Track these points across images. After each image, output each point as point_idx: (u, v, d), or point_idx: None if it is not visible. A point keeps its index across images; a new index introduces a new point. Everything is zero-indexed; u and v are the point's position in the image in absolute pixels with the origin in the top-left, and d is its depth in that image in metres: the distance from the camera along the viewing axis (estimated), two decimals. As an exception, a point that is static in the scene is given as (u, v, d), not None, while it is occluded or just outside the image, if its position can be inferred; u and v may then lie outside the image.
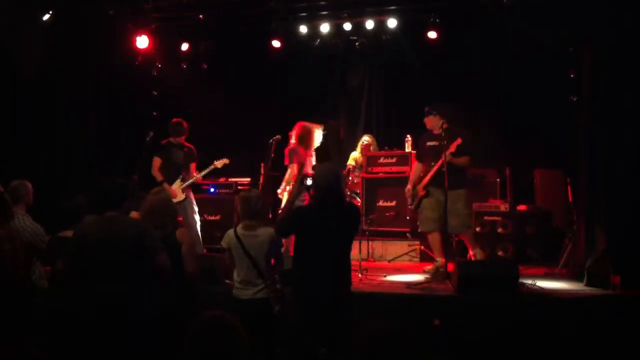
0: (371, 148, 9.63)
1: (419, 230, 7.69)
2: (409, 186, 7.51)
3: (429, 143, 7.38)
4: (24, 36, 8.24)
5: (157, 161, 7.98)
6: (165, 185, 7.67)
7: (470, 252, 7.30)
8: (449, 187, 6.77)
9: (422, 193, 7.27)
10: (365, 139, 9.75)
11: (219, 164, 8.10)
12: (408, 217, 8.56)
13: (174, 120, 8.12)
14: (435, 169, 7.06)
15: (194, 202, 8.10)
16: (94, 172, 8.83)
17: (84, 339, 3.90)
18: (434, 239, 7.24)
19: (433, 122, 7.31)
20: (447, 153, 6.89)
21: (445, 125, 7.15)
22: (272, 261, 4.95)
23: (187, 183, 7.95)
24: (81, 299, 4.00)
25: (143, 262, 4.05)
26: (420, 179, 7.37)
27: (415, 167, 7.62)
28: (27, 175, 5.96)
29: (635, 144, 6.41)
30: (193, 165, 8.17)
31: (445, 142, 7.00)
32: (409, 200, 7.54)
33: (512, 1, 8.01)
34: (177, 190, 7.81)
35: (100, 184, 4.22)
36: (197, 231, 7.94)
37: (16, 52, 8.18)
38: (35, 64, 8.42)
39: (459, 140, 6.92)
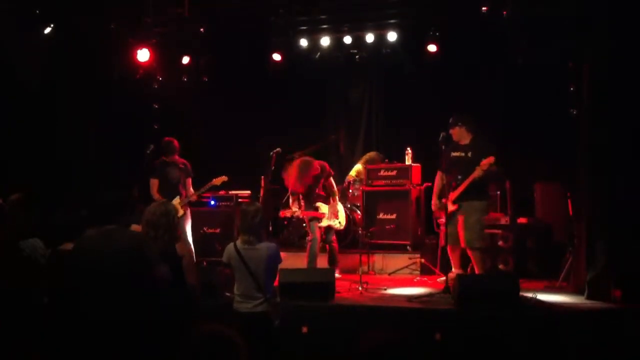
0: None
1: (446, 245, 7.35)
2: (434, 200, 7.43)
3: (454, 154, 7.27)
4: (25, 49, 8.27)
5: (154, 183, 8.01)
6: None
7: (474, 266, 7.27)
8: (466, 198, 6.79)
9: (453, 207, 7.11)
10: (372, 155, 9.77)
11: (217, 181, 8.06)
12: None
13: (165, 139, 8.15)
14: (467, 183, 6.96)
15: (189, 218, 8.13)
16: (94, 185, 8.83)
17: (84, 351, 3.89)
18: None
19: (459, 134, 7.26)
20: (479, 170, 6.85)
21: (471, 136, 7.18)
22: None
23: (185, 201, 7.96)
24: (80, 313, 3.99)
25: (142, 275, 4.04)
26: (443, 191, 7.28)
27: (439, 179, 7.45)
28: (27, 188, 5.95)
29: (636, 158, 6.41)
30: (189, 181, 8.19)
31: (470, 153, 7.01)
32: (437, 214, 7.45)
33: (512, 15, 8.04)
34: (177, 206, 7.75)
35: (97, 197, 4.21)
36: None
37: (17, 66, 8.21)
38: (36, 77, 8.45)
39: (491, 159, 6.81)
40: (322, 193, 7.96)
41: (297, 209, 7.91)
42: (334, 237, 7.99)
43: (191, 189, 8.14)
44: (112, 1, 8.63)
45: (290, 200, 8.06)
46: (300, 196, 7.89)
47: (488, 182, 7.30)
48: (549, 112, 8.37)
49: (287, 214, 7.96)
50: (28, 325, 4.51)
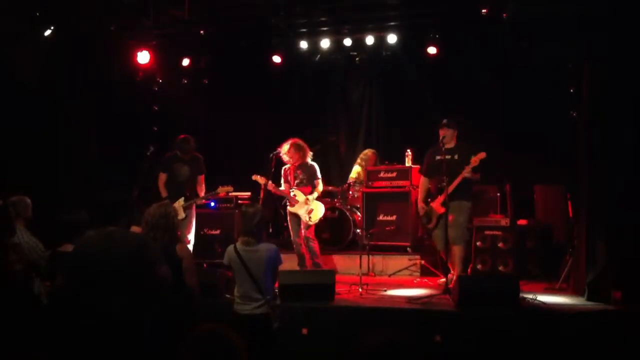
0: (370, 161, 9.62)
1: (438, 249, 7.54)
2: (421, 204, 7.49)
3: (438, 157, 7.30)
4: (26, 51, 8.27)
5: (162, 177, 8.00)
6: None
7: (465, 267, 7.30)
8: (456, 198, 6.83)
9: (441, 210, 7.09)
10: (367, 153, 9.76)
11: (222, 190, 8.02)
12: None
13: (182, 136, 8.08)
14: (455, 184, 6.98)
15: (193, 221, 8.09)
16: (95, 186, 8.82)
17: (84, 352, 3.88)
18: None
19: (450, 135, 7.27)
20: (469, 168, 6.93)
21: (456, 141, 7.25)
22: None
23: (188, 203, 7.92)
24: (81, 313, 3.98)
25: (143, 275, 4.03)
26: (429, 194, 7.39)
27: (423, 183, 7.58)
28: (27, 189, 5.96)
29: (636, 158, 6.41)
30: (201, 178, 8.13)
31: (457, 156, 7.05)
32: (424, 220, 7.48)
33: (512, 17, 8.03)
34: (178, 209, 7.68)
35: (97, 198, 4.20)
36: None
37: (18, 67, 8.21)
38: (36, 78, 8.45)
39: (483, 155, 6.90)
40: (310, 188, 8.05)
41: (272, 185, 8.01)
42: (311, 235, 8.02)
43: (203, 186, 8.12)
44: (112, 3, 8.62)
45: (283, 180, 8.23)
46: (288, 178, 8.13)
47: (472, 185, 7.33)
48: (548, 112, 8.37)
49: (261, 180, 7.95)
50: (28, 326, 4.51)
